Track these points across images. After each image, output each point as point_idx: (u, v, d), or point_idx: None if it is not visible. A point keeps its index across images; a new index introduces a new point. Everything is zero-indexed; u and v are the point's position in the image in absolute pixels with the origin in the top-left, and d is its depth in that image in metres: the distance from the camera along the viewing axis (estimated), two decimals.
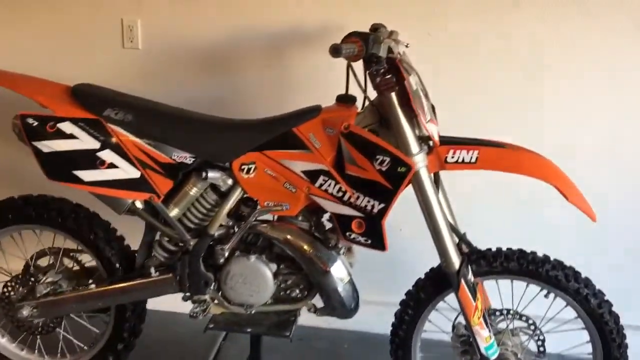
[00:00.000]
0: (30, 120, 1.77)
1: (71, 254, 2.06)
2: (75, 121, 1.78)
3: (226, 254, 1.84)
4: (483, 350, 1.81)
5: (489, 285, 1.93)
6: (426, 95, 1.79)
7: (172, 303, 2.12)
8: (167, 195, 1.84)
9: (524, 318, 1.88)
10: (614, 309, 1.82)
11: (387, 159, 1.67)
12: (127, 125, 1.80)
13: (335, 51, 1.47)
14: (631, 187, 2.34)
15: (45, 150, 1.77)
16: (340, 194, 1.74)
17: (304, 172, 1.76)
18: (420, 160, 1.70)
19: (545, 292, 1.84)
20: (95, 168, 1.78)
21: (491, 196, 2.39)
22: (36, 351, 2.19)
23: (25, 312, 1.96)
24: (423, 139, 1.74)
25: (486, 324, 1.80)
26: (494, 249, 1.86)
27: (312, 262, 1.80)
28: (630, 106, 2.25)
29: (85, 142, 1.78)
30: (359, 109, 1.81)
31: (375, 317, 2.28)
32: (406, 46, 1.94)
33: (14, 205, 1.99)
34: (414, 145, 1.70)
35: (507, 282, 1.88)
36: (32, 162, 1.78)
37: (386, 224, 1.72)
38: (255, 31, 2.36)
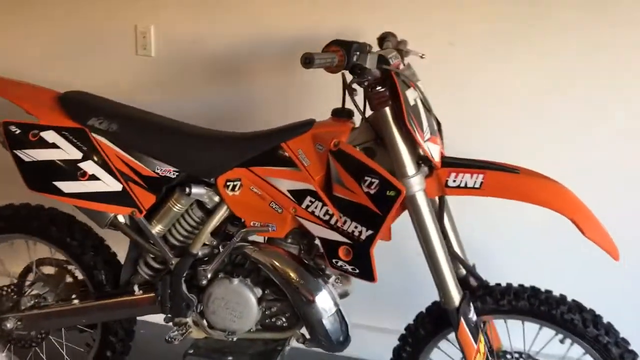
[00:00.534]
0: (12, 128, 1.72)
1: (64, 266, 1.99)
2: (58, 130, 1.71)
3: (209, 275, 1.72)
4: None
5: (501, 323, 1.72)
6: (429, 110, 1.62)
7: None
8: (151, 210, 1.74)
9: None
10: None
11: (376, 181, 1.51)
12: (111, 135, 1.71)
13: (306, 61, 1.28)
14: None
15: (27, 159, 1.71)
16: (327, 217, 1.58)
17: (291, 191, 1.62)
18: (416, 184, 1.53)
19: (560, 336, 1.63)
20: (75, 179, 1.70)
21: (510, 223, 2.15)
22: None
23: (9, 324, 1.90)
24: (424, 160, 1.57)
25: None
26: (503, 284, 1.66)
27: (297, 290, 1.65)
28: None
29: (68, 152, 1.71)
30: (356, 125, 1.66)
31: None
32: (421, 57, 1.79)
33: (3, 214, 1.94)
34: (409, 166, 1.53)
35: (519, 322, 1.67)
36: None
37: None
38: (270, 39, 2.26)
